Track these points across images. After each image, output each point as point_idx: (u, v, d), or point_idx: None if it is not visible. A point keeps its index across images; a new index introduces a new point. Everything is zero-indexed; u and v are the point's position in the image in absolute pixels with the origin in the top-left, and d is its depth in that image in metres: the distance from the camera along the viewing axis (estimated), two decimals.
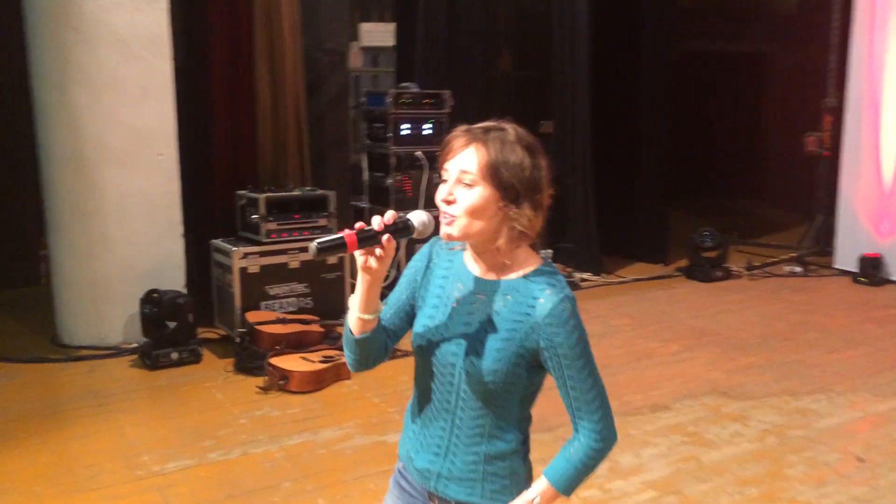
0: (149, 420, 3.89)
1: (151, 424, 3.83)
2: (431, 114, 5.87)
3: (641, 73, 7.33)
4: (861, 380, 4.54)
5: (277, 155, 5.36)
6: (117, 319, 4.88)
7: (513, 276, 1.59)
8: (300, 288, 5.03)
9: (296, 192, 5.14)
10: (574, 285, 6.70)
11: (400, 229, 1.55)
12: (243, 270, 4.83)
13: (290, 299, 5.01)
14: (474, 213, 1.53)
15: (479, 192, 1.52)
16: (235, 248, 4.82)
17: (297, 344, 4.59)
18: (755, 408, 4.11)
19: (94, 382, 4.38)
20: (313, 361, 4.38)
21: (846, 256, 7.15)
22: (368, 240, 1.50)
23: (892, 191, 6.84)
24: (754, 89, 10.76)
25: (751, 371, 4.67)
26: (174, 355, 4.59)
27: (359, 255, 1.52)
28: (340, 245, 1.47)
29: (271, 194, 4.99)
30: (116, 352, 4.81)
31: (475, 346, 1.58)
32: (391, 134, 5.72)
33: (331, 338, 4.83)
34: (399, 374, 4.52)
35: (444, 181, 1.56)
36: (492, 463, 1.61)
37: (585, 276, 6.99)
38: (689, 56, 9.16)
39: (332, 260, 5.10)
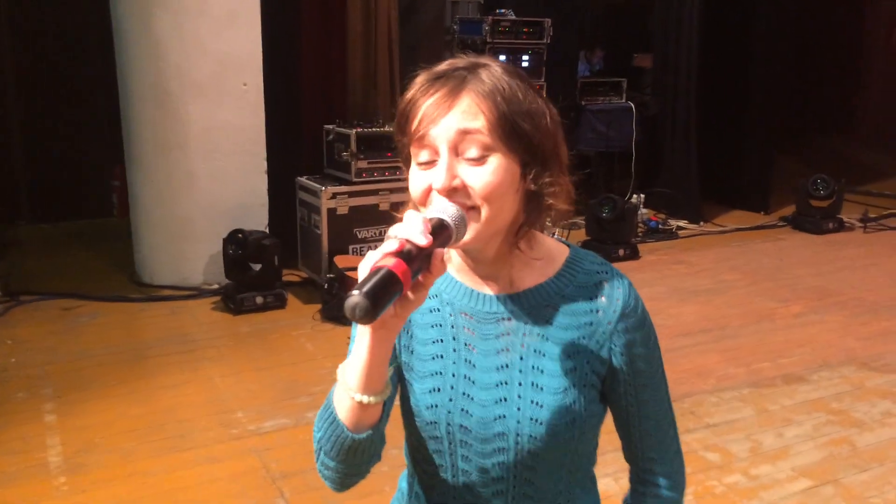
0: (238, 371, 3.65)
1: (242, 376, 3.59)
2: (530, 44, 5.40)
3: (757, 6, 6.63)
4: None
5: (367, 86, 4.97)
6: (199, 259, 4.64)
7: (543, 277, 1.09)
8: None
9: (387, 129, 4.76)
10: (671, 234, 6.24)
11: (441, 237, 0.94)
12: (331, 211, 4.51)
13: (379, 242, 4.67)
14: (497, 198, 0.99)
15: (499, 166, 0.98)
16: (324, 188, 4.49)
17: None
18: None
19: (177, 325, 4.16)
20: None
21: None
22: (417, 262, 0.89)
23: None
24: (867, 25, 9.84)
25: (888, 338, 4.20)
26: (259, 299, 4.33)
27: None
28: (392, 285, 0.85)
29: (362, 130, 4.62)
30: (198, 293, 4.59)
31: (530, 396, 1.07)
32: None
33: None
34: None
35: (427, 163, 1.00)
36: None
37: (682, 223, 6.51)
38: None
39: None
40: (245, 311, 4.31)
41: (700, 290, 4.88)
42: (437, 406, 1.10)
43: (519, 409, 1.06)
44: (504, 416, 1.07)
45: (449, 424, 1.09)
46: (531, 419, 1.05)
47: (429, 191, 1.00)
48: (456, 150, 0.98)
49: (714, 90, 6.71)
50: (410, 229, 0.89)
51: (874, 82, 9.86)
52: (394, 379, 1.09)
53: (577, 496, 1.14)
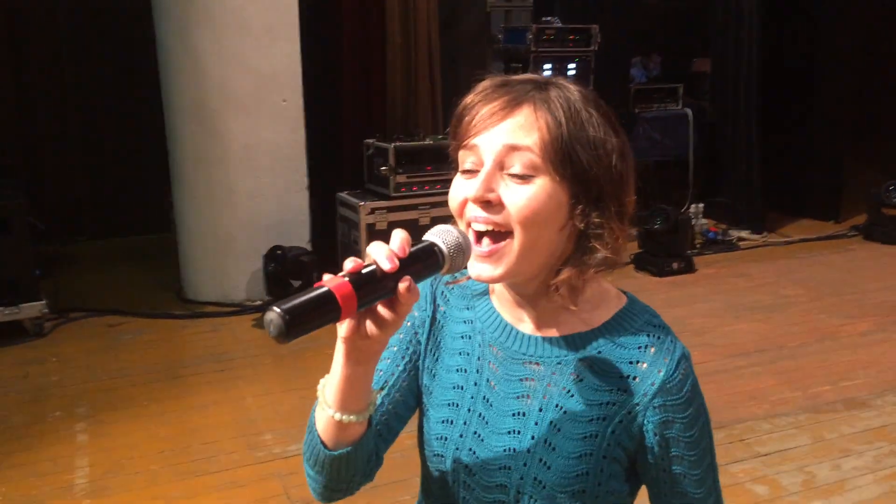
0: (271, 391, 3.61)
1: (274, 396, 3.55)
2: (577, 52, 5.24)
3: (825, 8, 6.28)
4: None
5: (408, 99, 4.91)
6: (241, 275, 4.65)
7: (585, 325, 0.98)
8: None
9: (427, 142, 4.68)
10: (731, 245, 5.96)
11: (424, 265, 0.85)
12: (370, 227, 4.46)
13: None
14: (533, 226, 0.89)
15: (542, 189, 0.89)
16: (363, 203, 4.44)
17: None
18: None
19: (216, 344, 4.16)
20: None
21: None
22: (373, 289, 0.80)
23: None
24: None
25: None
26: None
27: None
28: (325, 305, 0.77)
29: (401, 143, 4.56)
30: (241, 309, 4.60)
31: (539, 453, 0.96)
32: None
33: None
34: None
35: (469, 171, 0.92)
36: None
37: (744, 234, 6.22)
38: None
39: None
40: None
41: (758, 306, 4.61)
42: (446, 439, 1.02)
43: (525, 464, 0.96)
44: (509, 468, 0.97)
45: (455, 461, 1.01)
46: (535, 479, 0.95)
47: (465, 203, 0.93)
48: (501, 164, 0.90)
49: (777, 92, 6.39)
50: (378, 250, 0.81)
51: None
52: (393, 400, 1.04)
53: None
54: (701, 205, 6.16)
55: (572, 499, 0.95)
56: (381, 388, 1.04)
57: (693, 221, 5.96)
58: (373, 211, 4.45)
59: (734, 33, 6.17)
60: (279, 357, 3.99)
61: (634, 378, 0.94)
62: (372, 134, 4.78)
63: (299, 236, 4.64)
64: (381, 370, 1.05)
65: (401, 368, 1.06)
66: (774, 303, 4.69)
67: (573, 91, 0.93)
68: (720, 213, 6.43)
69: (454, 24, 5.08)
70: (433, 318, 1.07)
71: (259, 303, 4.60)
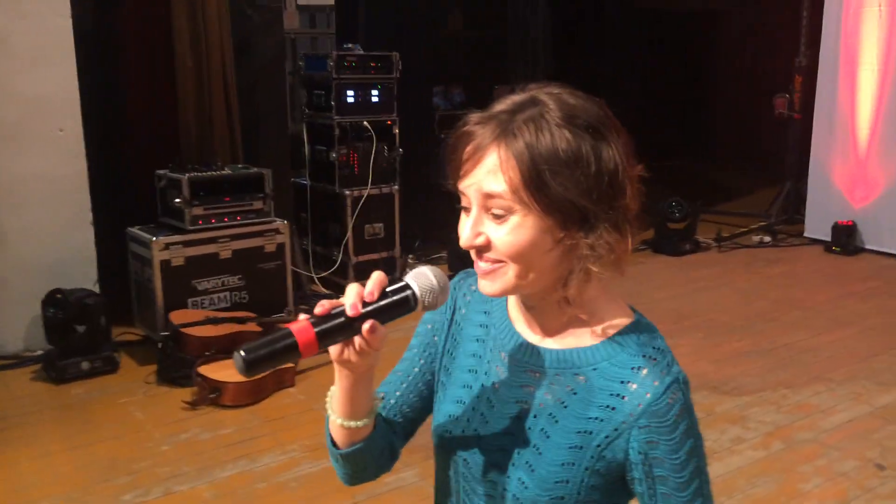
0: (51, 451, 3.24)
1: (54, 458, 3.19)
2: (379, 79, 5.24)
3: (606, 33, 6.80)
4: (857, 365, 4.16)
5: (203, 127, 4.66)
6: (17, 324, 4.18)
7: (587, 341, 1.03)
8: (233, 281, 4.38)
9: (225, 171, 4.46)
10: None
11: (392, 307, 0.96)
12: (165, 263, 4.16)
13: (221, 294, 4.36)
14: (522, 257, 0.96)
15: (521, 224, 0.94)
16: (155, 238, 4.15)
17: (230, 347, 3.95)
18: (752, 405, 3.68)
19: None
20: None
21: (817, 224, 6.81)
22: (336, 332, 0.93)
23: (868, 155, 6.49)
24: (714, 49, 10.35)
25: (740, 360, 4.25)
26: (84, 365, 3.92)
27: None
28: (287, 349, 0.90)
29: (196, 174, 4.31)
30: (18, 361, 4.12)
31: (527, 456, 1.02)
32: (334, 102, 5.08)
33: None
34: None
35: (465, 208, 0.99)
36: None
37: None
38: (643, 14, 8.67)
39: (270, 247, 4.47)
40: (69, 378, 3.89)
41: None
42: (450, 433, 1.09)
43: (513, 464, 1.03)
44: (499, 466, 1.04)
45: (455, 455, 1.09)
46: (519, 480, 1.02)
47: None
48: (485, 206, 0.96)
49: None
50: (348, 294, 0.94)
51: (721, 106, 10.35)
52: (409, 400, 1.15)
53: None
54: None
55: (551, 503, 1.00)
56: (382, 398, 1.13)
57: None
58: (167, 246, 4.16)
59: (531, 64, 6.49)
60: (61, 412, 3.61)
61: (623, 397, 0.98)
62: (164, 164, 4.49)
63: (85, 276, 4.25)
64: (399, 371, 1.18)
65: (417, 370, 1.16)
66: None
67: (550, 107, 0.95)
68: None
69: (250, 49, 4.91)
70: (451, 321, 1.15)
71: (39, 353, 4.15)
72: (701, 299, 5.32)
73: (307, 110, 5.42)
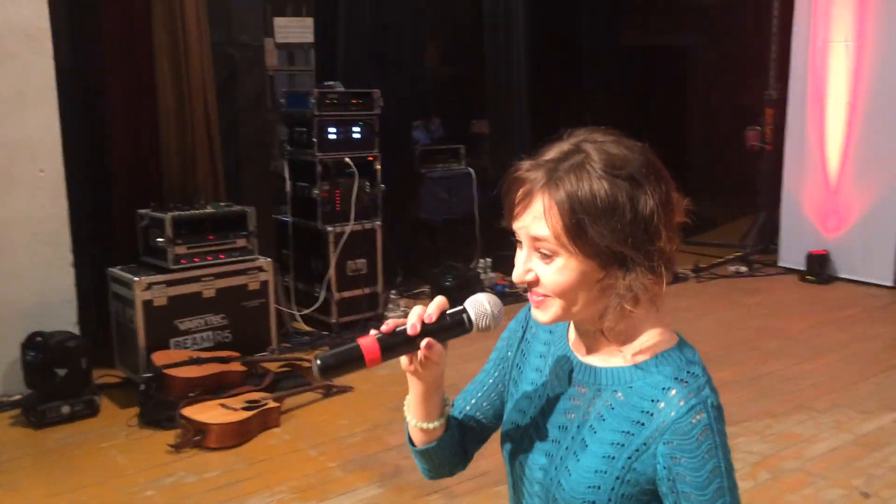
0: (32, 499, 3.17)
1: None
2: (360, 115, 5.28)
3: (583, 68, 6.92)
4: (839, 394, 4.21)
5: (185, 166, 4.65)
6: None
7: (629, 361, 1.13)
8: (216, 320, 4.34)
9: (208, 209, 4.46)
10: (518, 296, 6.23)
11: (448, 328, 1.11)
12: (147, 304, 4.13)
13: (204, 333, 4.32)
14: (566, 294, 1.08)
15: (566, 266, 1.06)
16: (137, 278, 4.12)
17: (214, 388, 3.93)
18: (737, 435, 3.70)
19: None
20: (235, 409, 3.74)
21: (791, 254, 6.93)
22: (398, 348, 1.09)
23: (839, 185, 6.63)
24: (687, 84, 10.57)
25: (723, 390, 4.18)
26: (65, 409, 3.86)
27: (402, 357, 1.13)
28: (355, 359, 1.07)
29: (179, 213, 4.30)
30: None
31: (567, 462, 1.13)
32: (316, 139, 5.11)
33: (255, 377, 4.19)
34: (337, 417, 3.94)
35: (519, 241, 1.11)
36: None
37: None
38: (620, 50, 8.85)
39: (253, 285, 4.45)
40: (49, 423, 3.82)
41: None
42: (511, 439, 1.22)
43: (556, 468, 1.14)
44: (544, 469, 1.16)
45: (516, 458, 1.21)
46: (558, 482, 1.12)
47: None
48: (535, 246, 1.07)
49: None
50: (412, 314, 1.09)
51: (695, 139, 10.54)
52: (482, 408, 1.29)
53: None
54: (489, 259, 6.41)
55: None
56: (452, 405, 1.25)
57: (482, 276, 6.18)
58: (150, 286, 4.13)
59: (507, 99, 6.58)
60: (41, 458, 3.54)
61: (651, 414, 1.07)
62: (146, 203, 4.48)
63: (65, 319, 4.19)
64: (476, 381, 1.32)
65: (490, 381, 1.30)
66: None
67: (593, 158, 1.04)
68: (508, 267, 6.71)
69: (233, 87, 4.93)
70: (522, 338, 1.29)
71: (18, 397, 4.08)
72: (682, 330, 5.24)
73: (289, 147, 5.44)
